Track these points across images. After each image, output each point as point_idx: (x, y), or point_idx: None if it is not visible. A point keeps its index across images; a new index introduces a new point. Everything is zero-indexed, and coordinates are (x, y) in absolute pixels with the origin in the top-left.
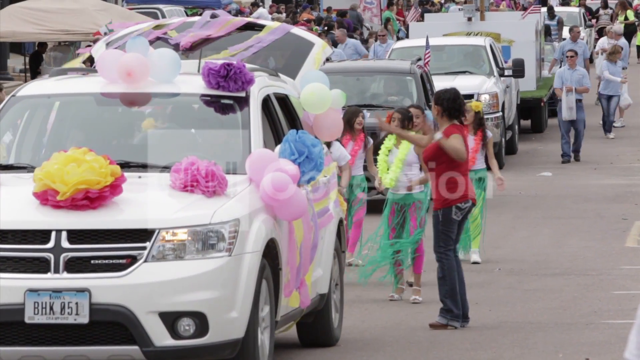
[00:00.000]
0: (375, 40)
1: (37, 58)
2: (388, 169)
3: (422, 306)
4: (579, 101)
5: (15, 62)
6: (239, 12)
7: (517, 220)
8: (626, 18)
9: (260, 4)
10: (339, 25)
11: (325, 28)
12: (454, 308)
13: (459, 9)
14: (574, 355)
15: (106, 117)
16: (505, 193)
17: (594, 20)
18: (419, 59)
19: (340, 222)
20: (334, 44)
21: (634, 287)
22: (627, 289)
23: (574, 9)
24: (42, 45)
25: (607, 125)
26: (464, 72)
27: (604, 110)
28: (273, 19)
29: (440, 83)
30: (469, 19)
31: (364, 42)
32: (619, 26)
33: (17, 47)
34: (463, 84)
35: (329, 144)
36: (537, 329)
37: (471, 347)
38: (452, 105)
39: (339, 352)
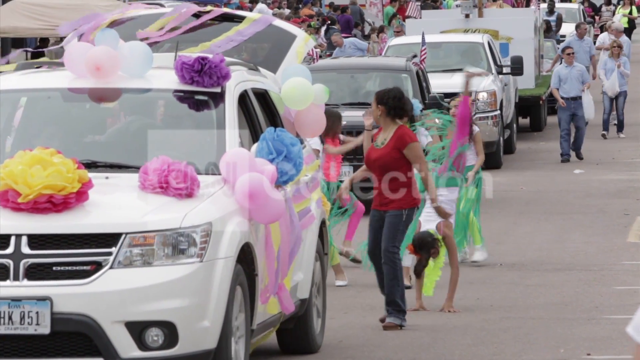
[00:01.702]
0: (378, 36)
1: (39, 54)
2: None
3: (424, 302)
4: (579, 98)
5: (17, 58)
6: (240, 9)
7: (519, 215)
8: (630, 12)
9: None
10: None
11: (329, 22)
12: (405, 307)
13: (456, 5)
14: (575, 350)
15: (73, 113)
16: (507, 189)
17: (597, 17)
18: (415, 56)
19: (323, 223)
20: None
21: (635, 282)
22: (628, 284)
23: (573, 5)
24: (44, 41)
25: (619, 125)
26: (461, 70)
27: (605, 108)
28: (274, 14)
29: (437, 81)
30: (467, 16)
31: (366, 37)
32: (618, 23)
33: (19, 43)
34: (461, 81)
35: None
36: (538, 325)
37: (473, 343)
38: (398, 104)
39: (339, 348)
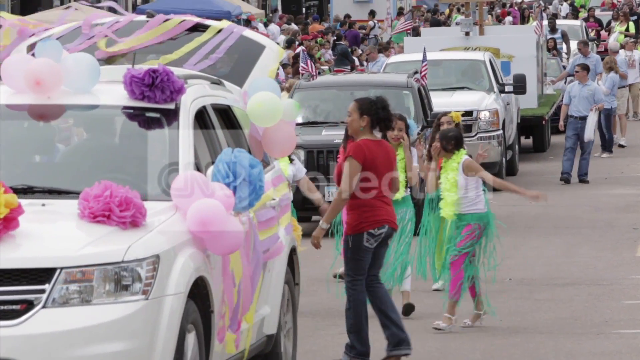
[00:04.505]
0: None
1: None
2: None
3: (433, 316)
4: (583, 119)
5: None
6: (248, 22)
7: (527, 230)
8: (627, 29)
9: (270, 14)
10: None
11: (334, 38)
12: (358, 344)
13: (456, 23)
14: None
15: (10, 132)
16: (515, 203)
17: (605, 33)
18: (416, 72)
19: (293, 250)
20: (345, 54)
21: None
22: (638, 298)
23: (575, 22)
24: None
25: (605, 143)
26: (462, 88)
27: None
28: (282, 30)
29: (437, 99)
30: (467, 34)
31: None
32: (614, 43)
33: None
34: (462, 100)
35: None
36: (548, 339)
37: (482, 357)
38: (386, 115)
39: None
